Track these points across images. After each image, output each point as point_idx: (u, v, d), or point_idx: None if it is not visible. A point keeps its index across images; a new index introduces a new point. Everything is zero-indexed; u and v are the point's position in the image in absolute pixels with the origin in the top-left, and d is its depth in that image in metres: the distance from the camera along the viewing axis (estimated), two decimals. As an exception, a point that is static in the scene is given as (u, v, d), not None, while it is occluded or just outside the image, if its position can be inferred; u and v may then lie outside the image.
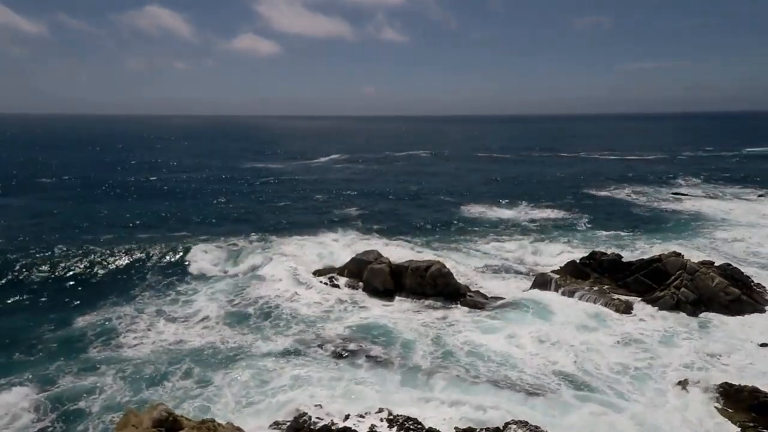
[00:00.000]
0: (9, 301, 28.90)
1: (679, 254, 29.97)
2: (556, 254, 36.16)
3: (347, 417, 16.62)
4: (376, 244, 39.40)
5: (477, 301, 28.51)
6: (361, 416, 16.83)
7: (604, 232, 43.44)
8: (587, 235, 42.62)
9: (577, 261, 31.97)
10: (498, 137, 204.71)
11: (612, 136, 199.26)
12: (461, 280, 30.64)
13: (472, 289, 30.12)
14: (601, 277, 30.49)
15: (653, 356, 22.65)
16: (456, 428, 16.97)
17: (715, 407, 18.83)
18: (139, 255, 36.00)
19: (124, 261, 34.91)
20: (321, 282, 31.47)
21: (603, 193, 63.38)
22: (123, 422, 11.06)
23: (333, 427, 16.03)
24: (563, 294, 29.09)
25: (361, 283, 30.72)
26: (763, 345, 23.46)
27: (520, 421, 17.45)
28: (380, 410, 17.13)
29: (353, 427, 16.23)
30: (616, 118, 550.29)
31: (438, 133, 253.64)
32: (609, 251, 32.84)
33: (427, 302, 28.48)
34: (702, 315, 26.34)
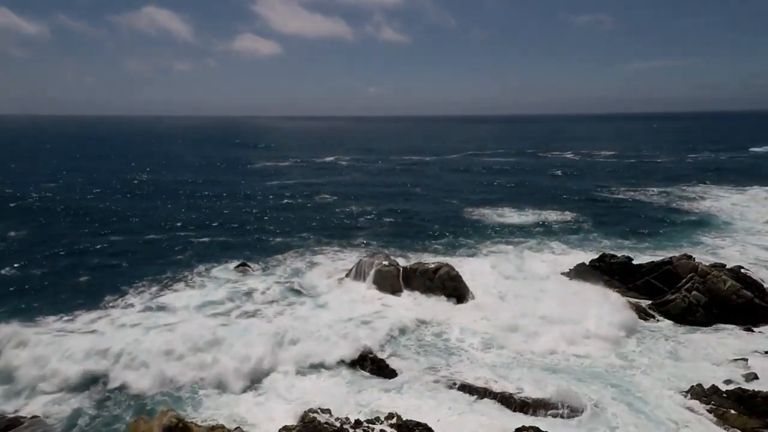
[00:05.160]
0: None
1: (690, 257, 29.68)
2: (565, 257, 35.82)
3: (358, 423, 16.43)
4: (380, 247, 39.32)
5: (484, 303, 28.27)
6: (371, 422, 16.63)
7: (614, 235, 43.09)
8: (596, 238, 42.31)
9: (587, 263, 31.73)
10: (501, 138, 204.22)
11: (617, 137, 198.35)
12: (468, 283, 30.38)
13: (479, 292, 29.86)
14: (611, 279, 30.20)
15: (663, 361, 22.39)
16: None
17: (728, 413, 18.52)
18: (147, 251, 36.09)
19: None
20: (327, 284, 31.25)
21: (611, 195, 62.97)
22: (132, 429, 10.88)
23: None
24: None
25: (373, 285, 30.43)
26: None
27: (531, 427, 17.20)
28: (390, 416, 16.96)
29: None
30: (621, 118, 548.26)
31: (440, 134, 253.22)
32: (619, 254, 32.55)
33: (434, 304, 28.22)
34: (714, 321, 26.04)
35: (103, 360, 20.80)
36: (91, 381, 19.81)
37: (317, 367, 21.73)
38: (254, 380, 20.48)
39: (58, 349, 21.33)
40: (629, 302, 27.39)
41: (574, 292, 28.48)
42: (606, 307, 26.18)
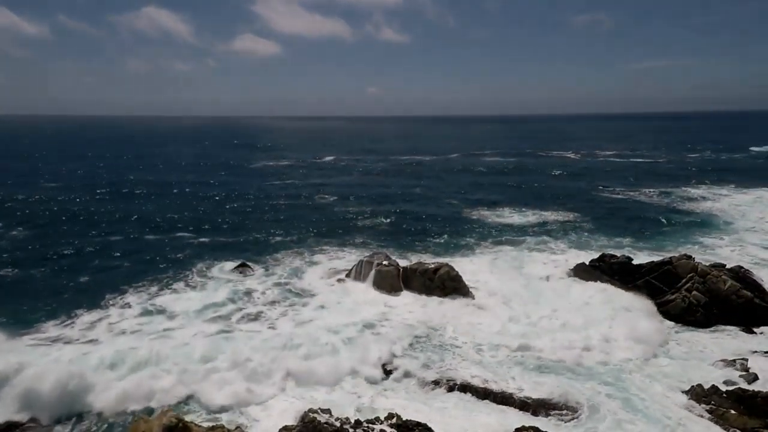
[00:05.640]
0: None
1: (690, 257, 29.66)
2: (565, 257, 35.81)
3: (358, 423, 16.43)
4: (380, 247, 39.32)
5: (484, 303, 28.27)
6: (371, 422, 16.64)
7: (614, 235, 43.06)
8: (596, 238, 42.28)
9: (587, 263, 31.73)
10: (501, 138, 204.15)
11: (618, 137, 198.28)
12: (468, 283, 30.37)
13: (479, 292, 29.87)
14: (611, 279, 30.17)
15: (662, 361, 22.42)
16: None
17: (728, 413, 18.54)
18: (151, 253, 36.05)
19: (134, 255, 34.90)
20: (327, 284, 31.27)
21: (611, 195, 62.98)
22: (133, 428, 10.89)
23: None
24: (572, 297, 28.79)
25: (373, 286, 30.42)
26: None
27: (531, 427, 17.21)
28: (390, 416, 16.97)
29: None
30: (621, 118, 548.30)
31: (440, 134, 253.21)
32: (619, 254, 32.53)
33: (434, 305, 28.20)
34: (714, 322, 26.04)
35: (95, 373, 19.76)
36: (78, 396, 18.66)
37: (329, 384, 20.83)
38: (259, 402, 19.46)
39: (48, 358, 20.51)
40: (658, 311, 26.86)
41: (589, 295, 28.46)
42: (628, 316, 25.78)
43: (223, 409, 18.80)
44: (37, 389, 18.28)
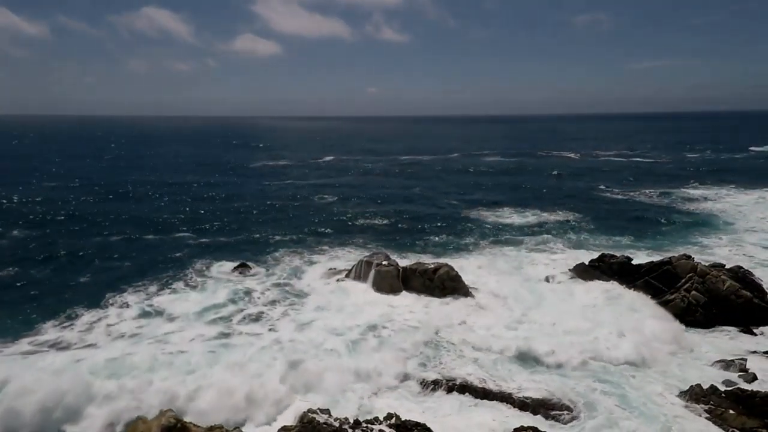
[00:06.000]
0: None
1: (690, 257, 29.68)
2: (565, 257, 35.85)
3: (357, 423, 16.46)
4: (380, 247, 39.34)
5: (484, 303, 28.29)
6: (370, 422, 16.66)
7: (614, 235, 43.10)
8: (596, 238, 42.32)
9: (586, 263, 31.76)
10: (501, 138, 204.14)
11: (618, 137, 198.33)
12: (468, 283, 30.38)
13: (479, 292, 29.90)
14: (611, 279, 30.18)
15: (662, 361, 22.40)
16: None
17: (727, 413, 18.55)
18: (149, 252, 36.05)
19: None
20: (327, 284, 31.30)
21: (611, 195, 63.02)
22: (131, 429, 10.91)
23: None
24: (572, 297, 28.81)
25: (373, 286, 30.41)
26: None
27: (531, 427, 17.23)
28: (389, 416, 16.99)
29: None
30: (621, 118, 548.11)
31: (440, 134, 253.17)
32: (619, 254, 32.55)
33: (435, 305, 28.20)
34: (713, 322, 26.05)
35: (88, 382, 18.63)
36: (70, 406, 17.54)
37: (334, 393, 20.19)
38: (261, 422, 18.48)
39: (37, 367, 19.55)
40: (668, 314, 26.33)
41: (593, 297, 28.32)
42: (636, 316, 25.45)
43: (220, 422, 18.25)
44: (21, 405, 17.10)
